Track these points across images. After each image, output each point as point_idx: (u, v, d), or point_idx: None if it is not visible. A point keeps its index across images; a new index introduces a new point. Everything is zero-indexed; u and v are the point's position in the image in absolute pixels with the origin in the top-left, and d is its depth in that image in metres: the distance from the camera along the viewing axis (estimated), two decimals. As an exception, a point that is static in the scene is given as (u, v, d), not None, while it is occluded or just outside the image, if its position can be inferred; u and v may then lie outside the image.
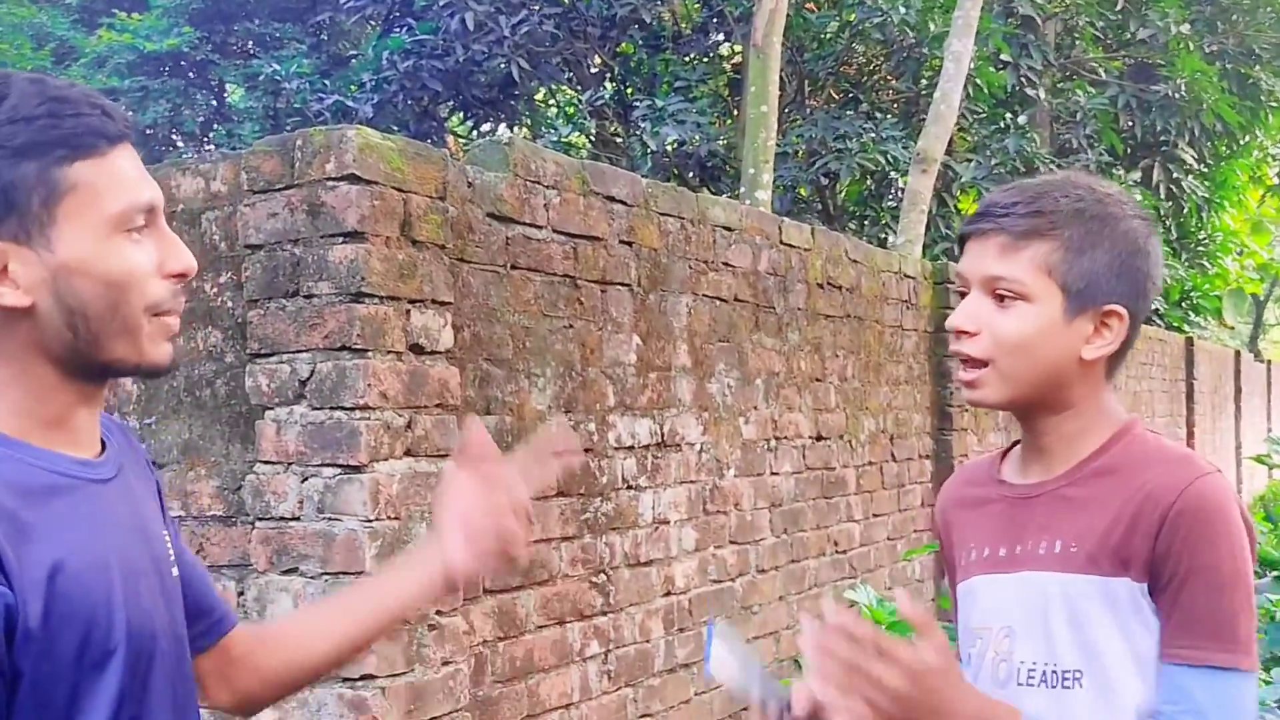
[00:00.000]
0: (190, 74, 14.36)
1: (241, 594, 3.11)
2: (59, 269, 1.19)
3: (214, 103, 14.62)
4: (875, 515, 5.71)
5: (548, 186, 3.67)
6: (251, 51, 14.15)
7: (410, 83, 11.23)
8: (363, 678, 2.89)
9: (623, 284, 3.98)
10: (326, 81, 12.19)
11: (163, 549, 1.36)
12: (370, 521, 2.92)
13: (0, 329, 1.21)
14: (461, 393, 3.26)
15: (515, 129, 13.16)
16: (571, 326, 3.74)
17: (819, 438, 5.14)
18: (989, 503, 1.72)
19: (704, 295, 4.41)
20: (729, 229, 4.59)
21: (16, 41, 13.63)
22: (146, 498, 1.39)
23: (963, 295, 1.64)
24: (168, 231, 1.28)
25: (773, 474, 4.78)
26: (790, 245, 5.01)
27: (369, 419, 2.93)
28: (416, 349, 3.08)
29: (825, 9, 11.31)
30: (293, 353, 3.01)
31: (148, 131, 13.62)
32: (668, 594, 4.10)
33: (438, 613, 3.07)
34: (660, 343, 4.14)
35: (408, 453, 3.04)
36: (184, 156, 12.68)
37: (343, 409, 2.94)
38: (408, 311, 3.06)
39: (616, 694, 3.83)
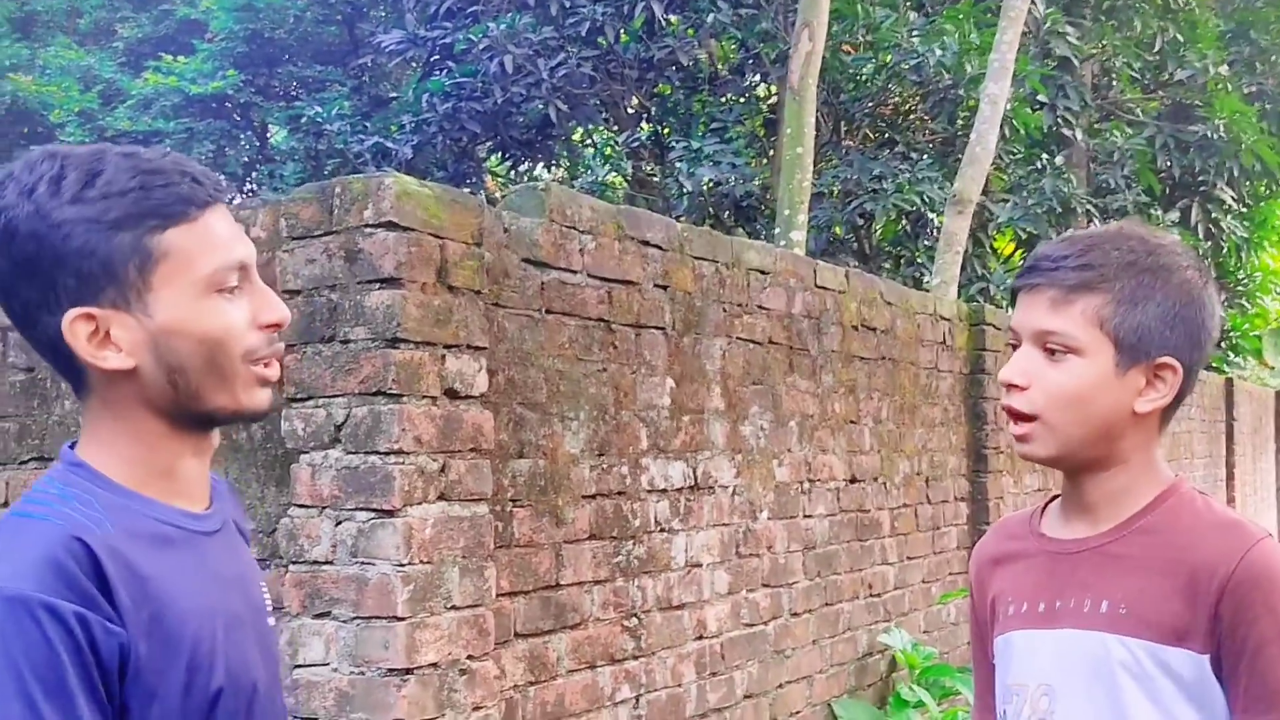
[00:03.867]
0: (234, 116, 14.58)
1: (276, 636, 3.13)
2: (158, 331, 1.27)
3: (257, 144, 14.82)
4: (910, 558, 5.68)
5: (583, 231, 3.71)
6: (294, 94, 14.34)
7: (449, 124, 11.35)
8: (394, 721, 2.90)
9: (657, 327, 4.00)
10: (367, 123, 12.34)
11: (259, 598, 1.43)
12: (403, 565, 2.94)
13: (109, 388, 1.29)
14: (495, 436, 3.29)
15: (553, 170, 13.26)
16: (605, 370, 3.76)
17: (853, 480, 5.13)
18: (1028, 556, 1.70)
19: (738, 338, 4.42)
20: (763, 272, 4.60)
21: (65, 84, 13.91)
22: (245, 549, 1.47)
23: (1014, 348, 1.64)
24: (260, 284, 1.35)
25: (806, 516, 4.77)
26: (824, 288, 5.02)
27: (403, 463, 2.96)
28: (451, 393, 3.11)
29: (862, 50, 11.35)
30: (328, 397, 3.05)
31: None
32: (699, 638, 4.09)
33: (469, 657, 3.09)
34: (694, 385, 4.16)
35: (441, 496, 3.06)
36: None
37: (377, 453, 2.97)
38: (443, 356, 3.09)
39: (648, 739, 3.82)
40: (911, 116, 12.06)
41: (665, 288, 4.05)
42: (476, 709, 3.11)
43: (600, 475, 3.69)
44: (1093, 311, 1.55)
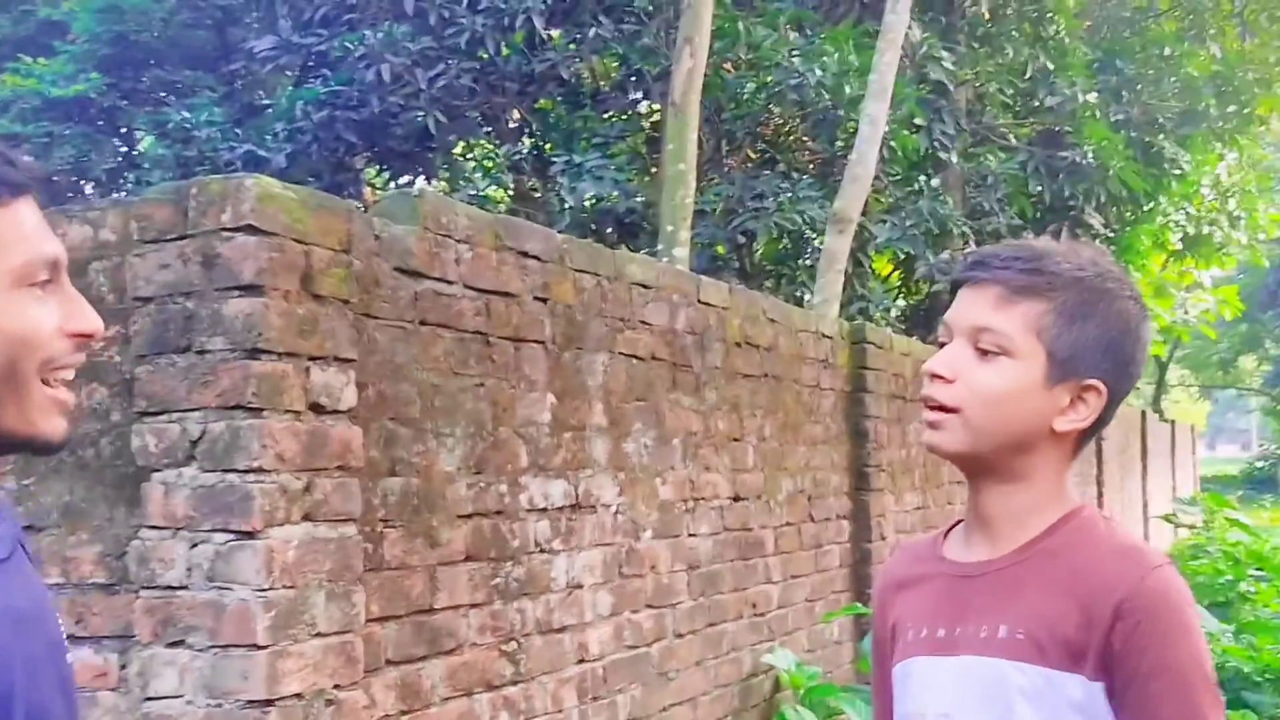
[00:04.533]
0: (98, 120, 14.05)
1: (124, 668, 2.92)
2: None
3: (124, 150, 14.30)
4: (794, 576, 5.62)
5: (459, 241, 3.56)
6: (161, 99, 13.89)
7: (325, 133, 11.07)
8: (253, 758, 2.71)
9: (537, 341, 3.87)
10: (239, 130, 11.98)
11: (57, 632, 1.24)
12: (264, 591, 2.75)
13: None
14: (365, 453, 3.11)
15: (433, 182, 13.04)
16: (483, 385, 3.61)
17: (737, 498, 5.05)
18: (929, 580, 1.64)
19: (620, 353, 4.31)
20: (646, 286, 4.50)
21: (-84, 85, 13.25)
22: (37, 576, 1.27)
23: (941, 346, 1.57)
24: (72, 289, 1.19)
25: (690, 535, 4.67)
26: (708, 304, 4.94)
27: (264, 482, 2.77)
28: (317, 408, 2.93)
29: (743, 70, 11.38)
30: (183, 411, 2.85)
31: (54, 178, 13.27)
32: (581, 661, 3.95)
33: (335, 686, 2.90)
34: (575, 401, 4.03)
35: (306, 517, 2.88)
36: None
37: (236, 471, 2.78)
38: (308, 369, 2.91)
39: (526, 769, 3.66)
40: (792, 136, 12.13)
41: (545, 300, 3.92)
42: (342, 743, 2.92)
43: (478, 494, 3.54)
44: (1035, 317, 1.51)
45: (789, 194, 10.04)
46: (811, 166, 11.65)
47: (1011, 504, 1.56)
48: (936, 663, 1.58)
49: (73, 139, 13.25)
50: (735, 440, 5.08)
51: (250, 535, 2.76)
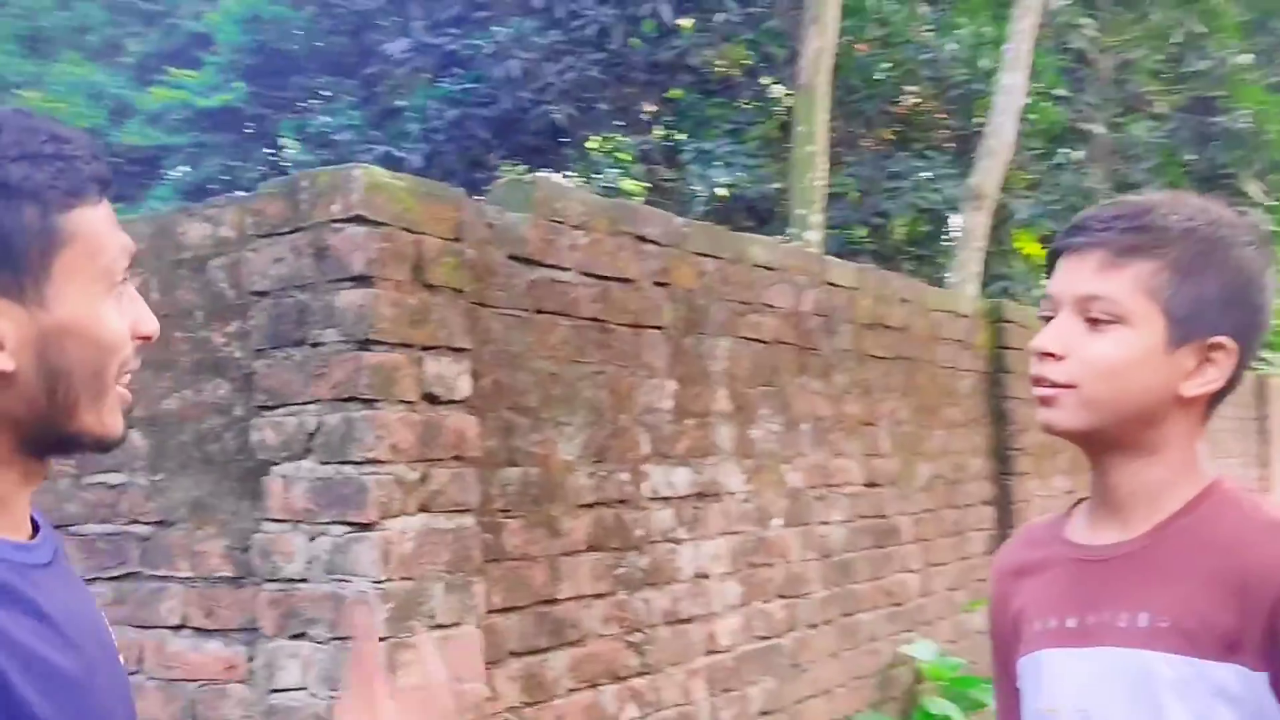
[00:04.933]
0: (244, 129, 14.47)
1: (251, 660, 2.94)
2: (50, 329, 1.04)
3: (270, 156, 14.68)
4: (933, 565, 5.45)
5: (574, 227, 3.51)
6: (304, 105, 14.23)
7: (458, 132, 11.20)
8: (374, 750, 2.70)
9: (656, 327, 3.80)
10: (376, 132, 12.19)
11: (109, 638, 1.18)
12: (381, 582, 2.74)
13: None
14: (481, 443, 3.09)
15: (567, 176, 13.09)
16: (602, 372, 3.56)
17: (871, 484, 4.91)
18: (1053, 566, 1.51)
19: (744, 337, 4.22)
20: (770, 268, 4.40)
21: (73, 100, 13.82)
22: (80, 581, 1.21)
23: (1048, 320, 1.45)
24: (134, 290, 1.13)
25: (822, 523, 4.56)
26: (835, 285, 4.81)
27: (379, 473, 2.76)
28: (431, 398, 2.91)
29: (875, 48, 11.13)
30: (300, 404, 2.86)
31: (209, 187, 13.70)
32: (710, 652, 3.88)
33: (455, 678, 2.88)
34: (698, 388, 3.95)
35: (422, 508, 2.86)
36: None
37: (351, 463, 2.77)
38: (420, 359, 2.89)
39: (655, 761, 3.61)
40: (927, 114, 11.84)
41: (665, 285, 3.85)
42: (465, 734, 2.90)
43: (599, 483, 3.49)
44: (1145, 279, 1.38)
45: (925, 173, 9.80)
46: (948, 144, 11.35)
47: (1142, 480, 1.43)
48: (1070, 655, 1.45)
49: (221, 148, 13.68)
50: (868, 425, 4.95)
51: (367, 527, 2.75)
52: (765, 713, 4.11)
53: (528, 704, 3.18)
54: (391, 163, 11.30)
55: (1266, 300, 1.40)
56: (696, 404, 3.94)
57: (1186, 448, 1.44)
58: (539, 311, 3.36)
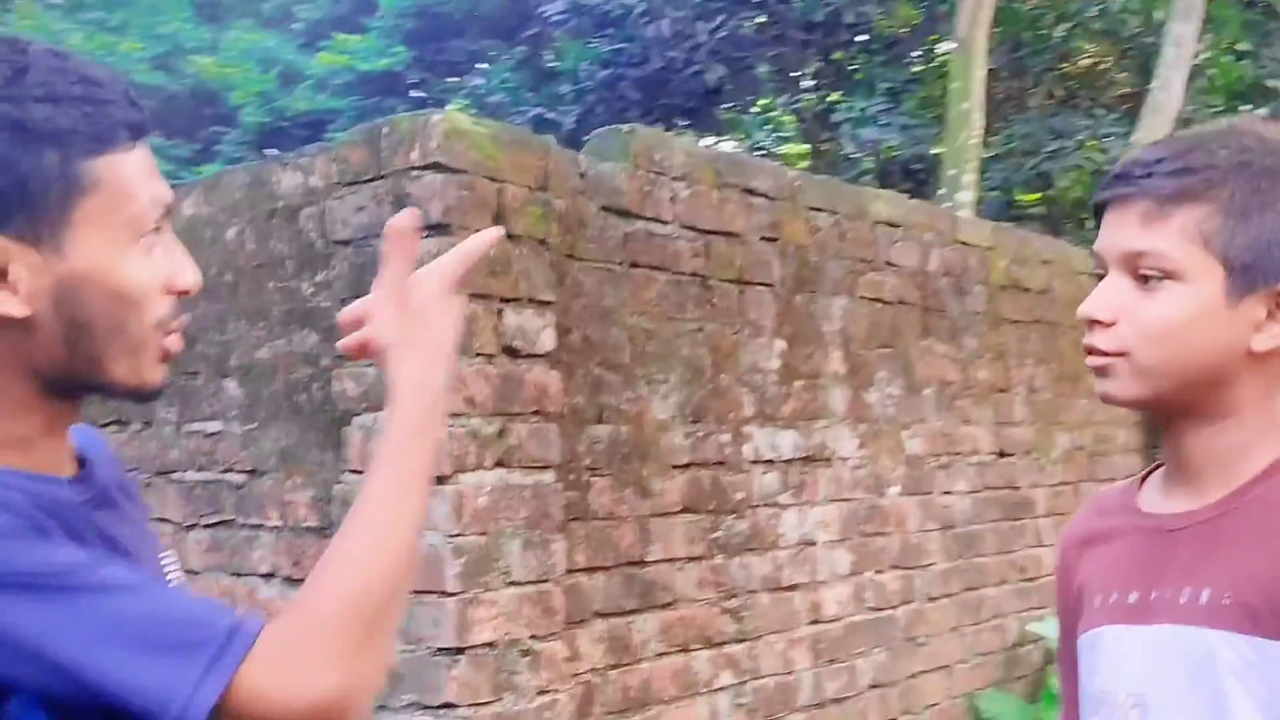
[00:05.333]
0: (406, 93, 14.71)
1: (333, 610, 2.94)
2: (66, 277, 1.02)
3: (427, 120, 14.89)
4: (1072, 541, 5.18)
5: (675, 178, 3.39)
6: (463, 68, 14.39)
7: (609, 93, 11.14)
8: (443, 706, 2.67)
9: (764, 284, 3.66)
10: (530, 94, 12.25)
11: (161, 575, 1.19)
12: (453, 537, 2.69)
13: None
14: (567, 400, 3.01)
15: (720, 139, 12.93)
16: (702, 329, 3.44)
17: (1001, 454, 4.68)
18: (1121, 536, 1.36)
19: (862, 297, 4.04)
20: (893, 225, 4.20)
21: (245, 66, 14.25)
22: (136, 518, 1.21)
23: (1099, 279, 1.30)
24: (175, 241, 1.10)
25: (944, 493, 4.36)
26: (967, 244, 4.57)
27: (453, 426, 2.71)
28: (510, 351, 2.85)
29: (1043, 2, 10.65)
30: (379, 355, 2.82)
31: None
32: (814, 622, 3.74)
33: (532, 637, 2.83)
34: (808, 348, 3.80)
35: (499, 463, 2.80)
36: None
37: (426, 415, 2.72)
38: (500, 311, 2.83)
39: (751, 731, 3.50)
40: (1097, 70, 11.29)
41: (774, 240, 3.71)
42: (542, 693, 2.85)
43: (695, 444, 3.39)
44: (1194, 226, 1.21)
45: (1089, 132, 9.34)
46: (1118, 102, 10.80)
47: (1215, 446, 1.27)
48: (1127, 633, 1.31)
49: (382, 112, 13.91)
50: (1000, 391, 4.71)
51: (441, 480, 2.70)
52: (875, 686, 3.96)
53: (613, 666, 3.11)
54: (544, 125, 11.34)
55: None
56: (806, 365, 3.79)
57: (1264, 408, 1.27)
58: (634, 265, 3.26)
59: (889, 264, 4.17)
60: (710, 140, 13.28)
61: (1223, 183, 1.21)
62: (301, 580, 2.99)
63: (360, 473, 2.85)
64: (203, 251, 3.31)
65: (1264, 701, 1.17)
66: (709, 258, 3.48)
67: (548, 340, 2.93)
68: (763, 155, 11.61)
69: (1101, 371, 1.29)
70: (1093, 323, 1.28)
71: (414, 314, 1.20)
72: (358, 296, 2.86)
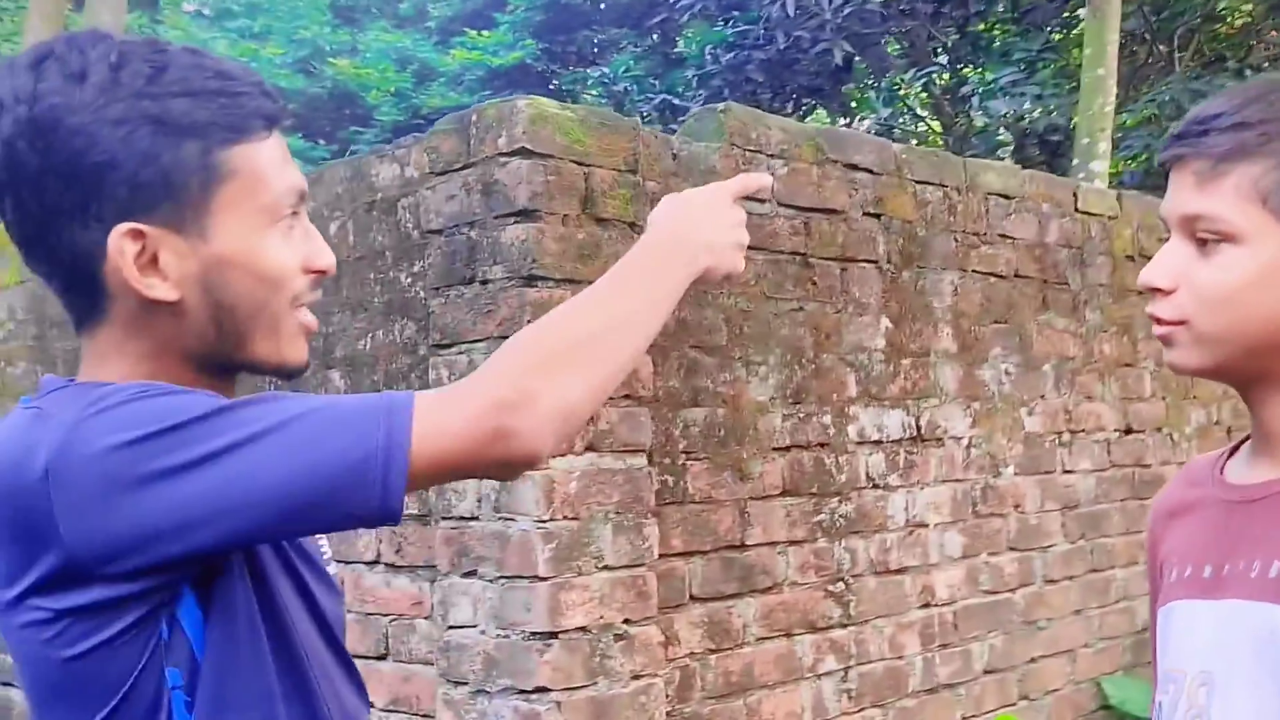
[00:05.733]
0: (536, 86, 14.85)
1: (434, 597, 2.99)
2: (212, 261, 1.10)
3: (557, 111, 15.02)
4: (1211, 521, 4.97)
5: (771, 155, 3.35)
6: (591, 58, 14.47)
7: (735, 76, 11.07)
8: (536, 690, 2.68)
9: (868, 261, 3.59)
10: (655, 81, 12.25)
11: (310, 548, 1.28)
12: (544, 522, 2.71)
13: (140, 323, 1.11)
14: (660, 383, 3.00)
15: (844, 117, 12.75)
16: (802, 309, 3.39)
17: (1128, 431, 4.51)
18: (1204, 507, 1.32)
19: (974, 271, 3.93)
20: (1007, 196, 4.08)
21: (382, 66, 14.57)
22: None
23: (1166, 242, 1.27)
24: (310, 225, 1.18)
25: (1065, 471, 4.22)
26: (1090, 213, 4.41)
27: (541, 411, 2.71)
28: (600, 335, 2.84)
29: (1186, -40, 10.21)
30: (470, 342, 2.85)
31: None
32: (925, 605, 3.66)
33: (625, 621, 2.83)
34: (916, 325, 3.72)
35: (589, 448, 2.81)
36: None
37: (515, 400, 2.74)
38: (588, 294, 2.82)
39: (860, 715, 3.44)
40: (1247, 29, 10.79)
41: (878, 216, 3.63)
42: (636, 677, 2.84)
43: (796, 425, 3.34)
44: (1249, 184, 1.16)
45: (1235, 94, 8.91)
46: (1268, 62, 10.31)
47: None
48: (1199, 607, 1.26)
49: (513, 104, 14.09)
50: (1127, 366, 4.54)
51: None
52: (991, 671, 3.86)
53: (712, 650, 3.09)
54: (670, 111, 11.33)
55: None
56: (914, 343, 3.70)
57: None
58: (729, 246, 3.22)
59: (1003, 236, 4.05)
60: (842, 120, 13.09)
61: (1272, 140, 1.15)
62: (403, 567, 3.05)
63: (455, 459, 2.88)
64: (307, 245, 3.39)
65: None
66: (809, 235, 3.43)
67: (638, 323, 2.92)
68: (893, 133, 11.39)
69: (1165, 340, 1.26)
70: (1154, 290, 1.24)
71: (693, 201, 1.33)
72: (450, 285, 2.90)
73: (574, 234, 2.81)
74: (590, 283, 2.80)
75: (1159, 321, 1.24)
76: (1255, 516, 1.22)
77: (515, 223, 2.77)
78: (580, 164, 2.84)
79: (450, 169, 2.92)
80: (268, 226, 1.12)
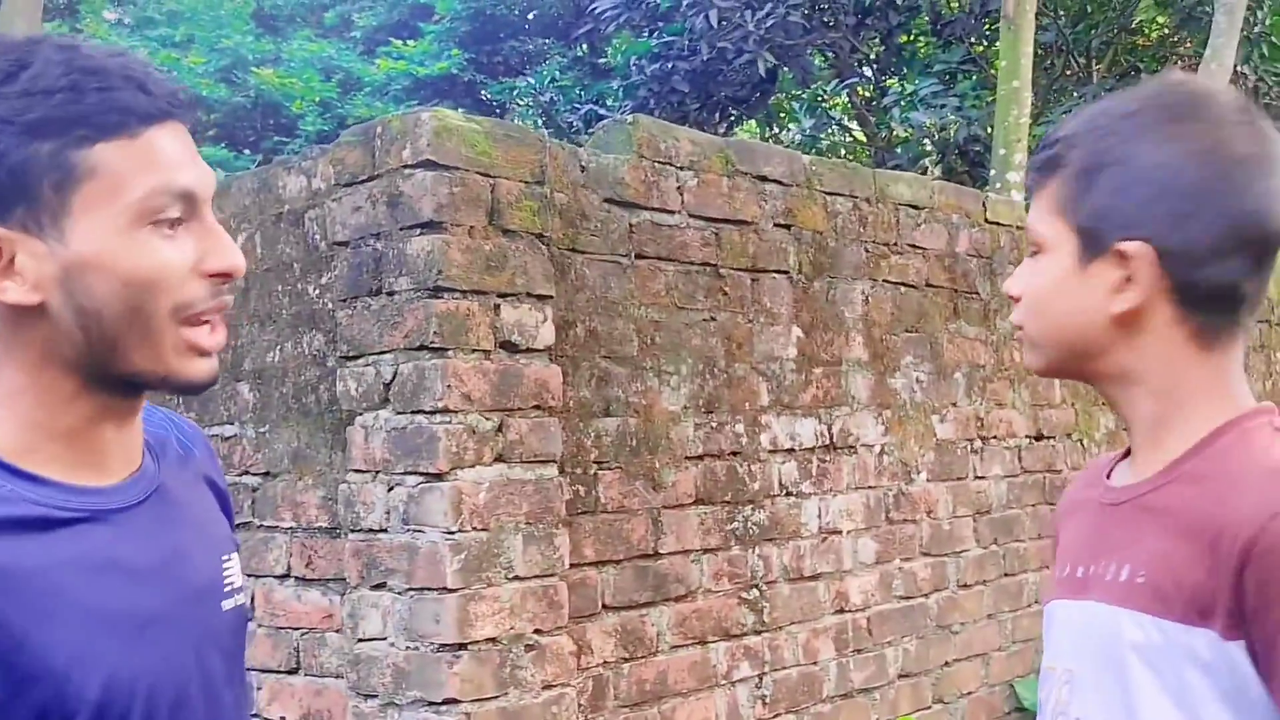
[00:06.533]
0: (463, 96, 14.81)
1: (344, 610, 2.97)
2: (71, 263, 1.04)
3: (484, 121, 14.97)
4: (1122, 524, 5.07)
5: (681, 168, 3.38)
6: (517, 69, 14.46)
7: (660, 87, 11.12)
8: (445, 702, 2.68)
9: (779, 271, 3.63)
10: (581, 91, 12.27)
11: (212, 577, 1.19)
12: (452, 533, 2.70)
13: (10, 331, 1.06)
14: (571, 393, 3.01)
15: (772, 128, 12.86)
16: (714, 319, 3.42)
17: (1039, 437, 4.59)
18: (1087, 509, 1.36)
19: (885, 281, 3.99)
20: (916, 207, 4.14)
21: (306, 75, 14.45)
22: (200, 519, 1.23)
23: None
24: (213, 224, 1.11)
25: (978, 478, 4.29)
26: (998, 224, 4.49)
27: (449, 423, 2.72)
28: (509, 346, 2.85)
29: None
30: (377, 354, 2.84)
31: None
32: (840, 611, 3.70)
33: (536, 631, 2.83)
34: (828, 334, 3.76)
35: (499, 458, 2.81)
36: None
37: (423, 413, 2.74)
38: (497, 306, 2.83)
39: (774, 722, 3.47)
40: (1162, 41, 11.04)
41: (789, 227, 3.67)
42: (548, 687, 2.85)
43: (708, 434, 3.37)
44: (1053, 194, 1.24)
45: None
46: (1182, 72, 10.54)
47: (1136, 415, 1.26)
48: (1068, 606, 1.30)
49: (439, 114, 14.05)
50: (1037, 373, 4.62)
51: (439, 477, 2.72)
52: (906, 675, 3.91)
53: (626, 659, 3.10)
54: (597, 120, 11.35)
55: (1208, 189, 1.16)
56: (826, 351, 3.75)
57: (1174, 376, 1.23)
58: (640, 256, 3.25)
59: (913, 246, 4.11)
60: (769, 131, 13.19)
61: (1072, 150, 1.22)
62: (314, 580, 3.03)
63: (363, 471, 2.87)
64: (215, 257, 3.36)
65: (1169, 685, 1.14)
66: (720, 246, 3.46)
67: (547, 334, 2.93)
68: (818, 143, 11.50)
69: (1020, 344, 1.34)
70: (1012, 297, 1.32)
71: None
72: (356, 297, 2.88)
73: (480, 245, 2.82)
74: (498, 294, 2.81)
75: (1016, 328, 1.33)
76: (1117, 520, 1.26)
77: (421, 234, 2.77)
78: (486, 175, 2.85)
79: (356, 181, 2.92)
80: (136, 228, 1.05)
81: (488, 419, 2.79)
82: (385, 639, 2.80)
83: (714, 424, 3.38)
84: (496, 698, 2.75)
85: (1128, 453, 1.37)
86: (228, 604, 1.20)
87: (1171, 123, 1.16)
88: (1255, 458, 1.16)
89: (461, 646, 2.69)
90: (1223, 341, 1.23)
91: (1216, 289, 1.19)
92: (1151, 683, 1.15)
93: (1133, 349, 1.21)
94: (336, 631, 3.01)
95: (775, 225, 3.63)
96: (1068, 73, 10.85)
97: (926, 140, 10.67)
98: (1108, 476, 1.35)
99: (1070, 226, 1.20)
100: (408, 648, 2.75)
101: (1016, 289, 1.29)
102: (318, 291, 3.11)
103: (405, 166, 2.79)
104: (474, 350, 2.78)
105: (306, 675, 3.07)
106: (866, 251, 3.92)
